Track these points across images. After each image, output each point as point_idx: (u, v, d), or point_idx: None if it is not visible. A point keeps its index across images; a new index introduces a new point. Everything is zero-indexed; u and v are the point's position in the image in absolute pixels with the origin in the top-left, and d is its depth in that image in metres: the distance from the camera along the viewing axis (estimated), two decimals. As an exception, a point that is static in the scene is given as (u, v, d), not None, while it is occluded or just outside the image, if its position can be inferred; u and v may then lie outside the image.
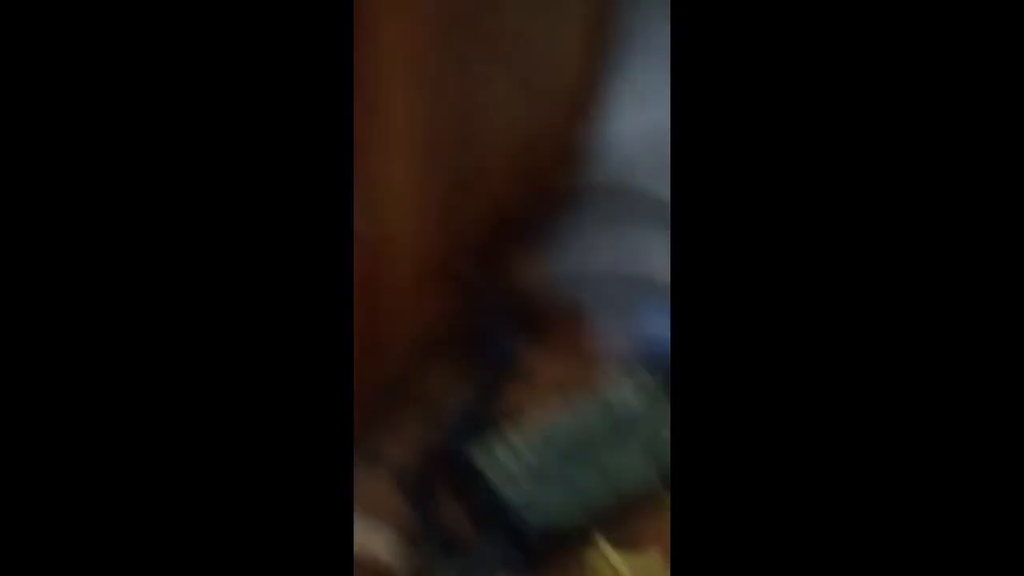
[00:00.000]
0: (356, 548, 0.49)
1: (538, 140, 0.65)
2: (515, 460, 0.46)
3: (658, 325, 0.52)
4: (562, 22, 0.64)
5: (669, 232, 0.60)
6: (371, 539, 0.47)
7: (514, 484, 0.45)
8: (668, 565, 0.45)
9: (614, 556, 0.46)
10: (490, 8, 0.54)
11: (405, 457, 0.50)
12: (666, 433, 0.46)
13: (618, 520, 0.46)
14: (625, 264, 0.60)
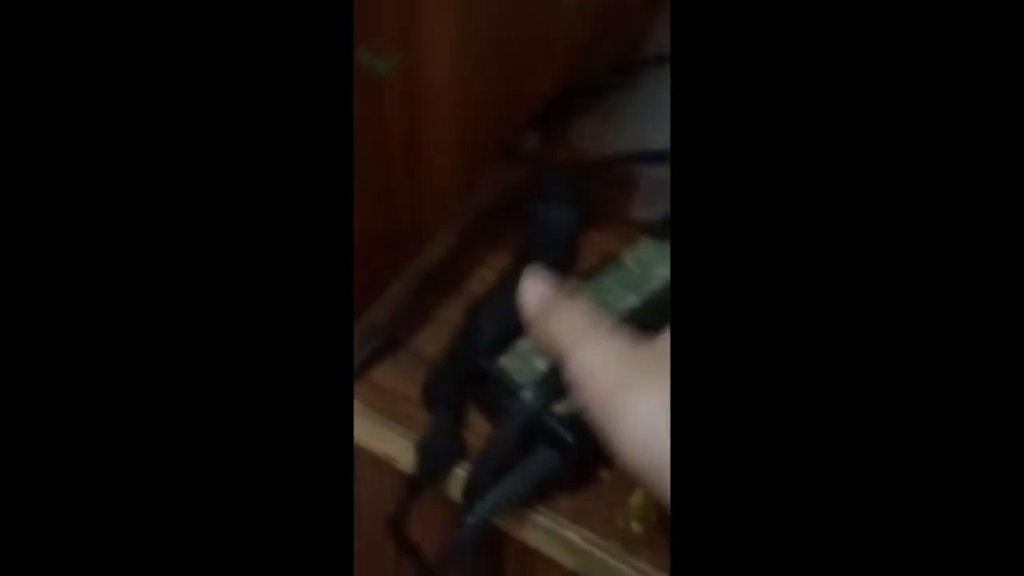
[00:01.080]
0: (372, 449, 0.45)
1: (603, 9, 0.56)
2: (540, 356, 0.41)
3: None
4: None
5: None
6: (392, 438, 0.44)
7: (539, 384, 0.40)
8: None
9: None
10: None
11: (435, 351, 0.45)
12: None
13: None
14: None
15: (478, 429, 0.43)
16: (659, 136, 0.53)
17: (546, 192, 0.48)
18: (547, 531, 0.41)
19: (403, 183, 0.46)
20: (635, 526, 0.41)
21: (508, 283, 0.43)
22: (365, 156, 0.41)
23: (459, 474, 0.43)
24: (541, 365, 0.41)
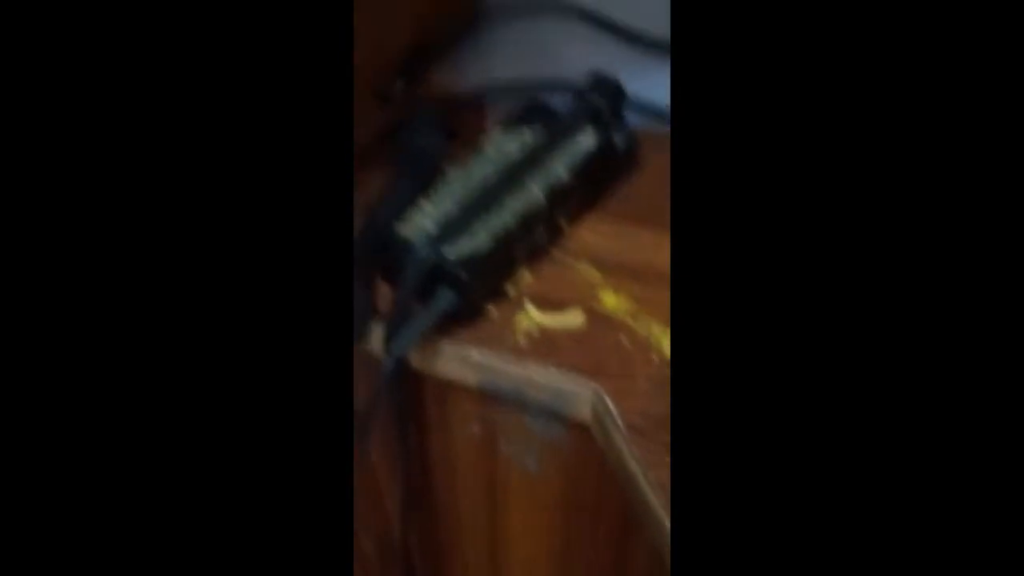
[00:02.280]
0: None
1: None
2: (430, 220, 0.52)
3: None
4: None
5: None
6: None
7: (431, 240, 0.51)
8: (588, 322, 0.52)
9: (539, 315, 0.53)
10: None
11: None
12: (556, 167, 0.55)
13: (525, 237, 0.54)
14: (536, 68, 0.65)
15: (386, 296, 0.53)
16: (497, 78, 0.65)
17: (415, 124, 0.59)
18: (453, 357, 0.52)
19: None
20: (523, 340, 0.52)
21: (394, 185, 0.54)
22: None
23: (375, 330, 0.52)
24: (430, 224, 0.52)
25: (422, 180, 0.54)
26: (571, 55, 0.67)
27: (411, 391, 0.55)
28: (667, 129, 0.60)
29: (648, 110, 0.62)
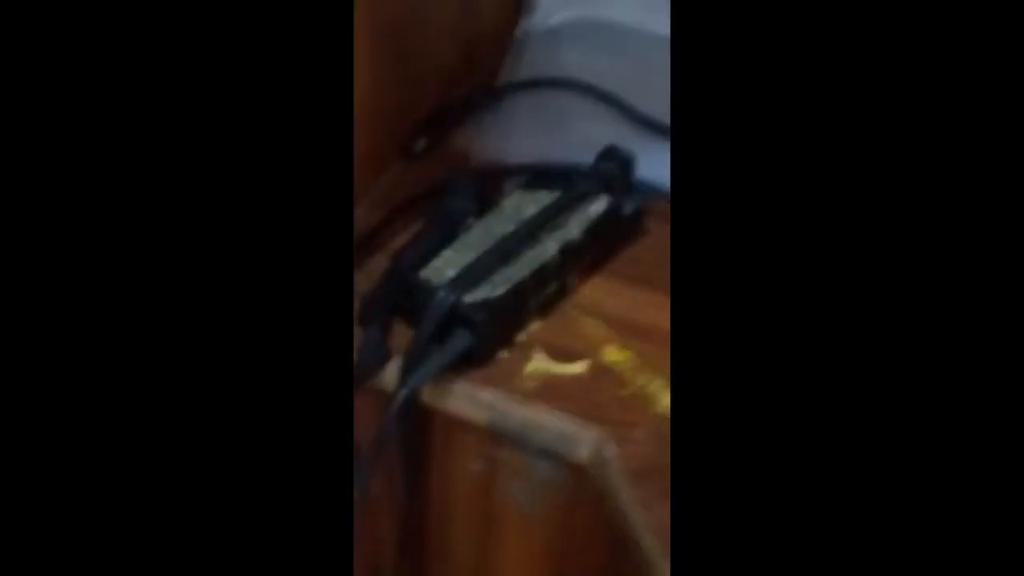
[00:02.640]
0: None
1: (479, 24, 0.73)
2: (451, 267, 0.56)
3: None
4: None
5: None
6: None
7: (451, 285, 0.54)
8: (592, 372, 0.56)
9: (546, 363, 0.56)
10: None
11: (367, 287, 0.59)
12: (570, 227, 0.59)
13: (538, 290, 0.58)
14: (548, 137, 0.70)
15: (402, 341, 0.57)
16: (513, 145, 0.70)
17: (449, 190, 0.63)
18: (463, 395, 0.55)
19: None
20: (531, 384, 0.55)
21: (422, 235, 0.58)
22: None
23: (388, 371, 0.55)
24: (451, 271, 0.55)
25: (447, 233, 0.58)
26: (582, 129, 0.72)
27: (419, 425, 0.58)
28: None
29: (649, 185, 0.66)
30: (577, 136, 0.70)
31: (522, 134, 0.71)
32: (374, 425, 0.56)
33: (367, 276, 0.59)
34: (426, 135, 0.69)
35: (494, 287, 0.55)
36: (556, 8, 0.77)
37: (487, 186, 0.64)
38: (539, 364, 0.56)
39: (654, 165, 0.64)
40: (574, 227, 0.59)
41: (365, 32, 0.58)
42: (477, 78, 0.73)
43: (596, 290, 0.60)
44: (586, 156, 0.64)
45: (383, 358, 0.56)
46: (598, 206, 0.60)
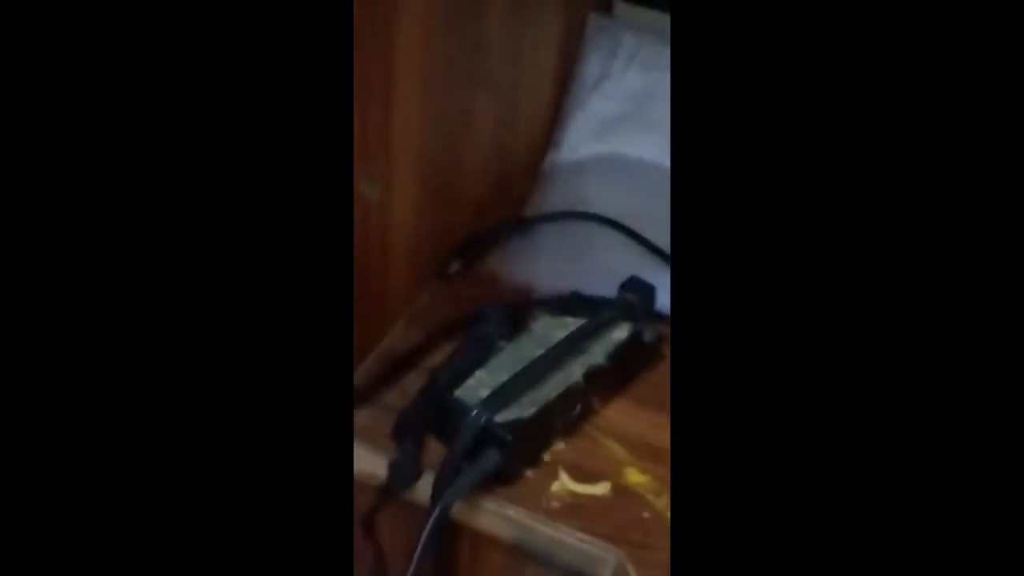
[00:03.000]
0: (357, 472, 0.60)
1: (511, 157, 0.78)
2: (484, 388, 0.59)
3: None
4: (540, 58, 0.78)
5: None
6: (372, 464, 0.59)
7: (484, 405, 0.57)
8: (613, 493, 0.58)
9: (570, 483, 0.59)
10: (483, 41, 0.67)
11: (401, 404, 0.62)
12: (595, 352, 0.63)
13: (564, 411, 0.61)
14: (571, 264, 0.74)
15: (434, 456, 0.59)
16: (540, 271, 0.74)
17: (485, 316, 0.66)
18: (493, 512, 0.57)
19: (374, 281, 0.64)
20: (556, 504, 0.57)
21: (457, 356, 0.62)
22: (356, 259, 0.60)
23: (420, 486, 0.58)
24: (484, 392, 0.58)
25: (480, 355, 0.61)
26: (604, 258, 0.76)
27: (448, 539, 0.60)
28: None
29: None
30: (600, 265, 0.74)
31: (548, 261, 0.75)
32: (404, 536, 0.59)
33: (403, 393, 0.63)
34: (460, 259, 0.73)
35: (523, 408, 0.58)
36: (581, 144, 0.82)
37: (518, 312, 0.68)
38: (564, 484, 0.58)
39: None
40: (598, 353, 0.62)
41: (410, 171, 0.63)
42: (507, 208, 0.77)
43: (618, 413, 0.63)
44: (608, 284, 0.68)
45: (416, 473, 0.59)
46: (621, 333, 0.63)
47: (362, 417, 0.61)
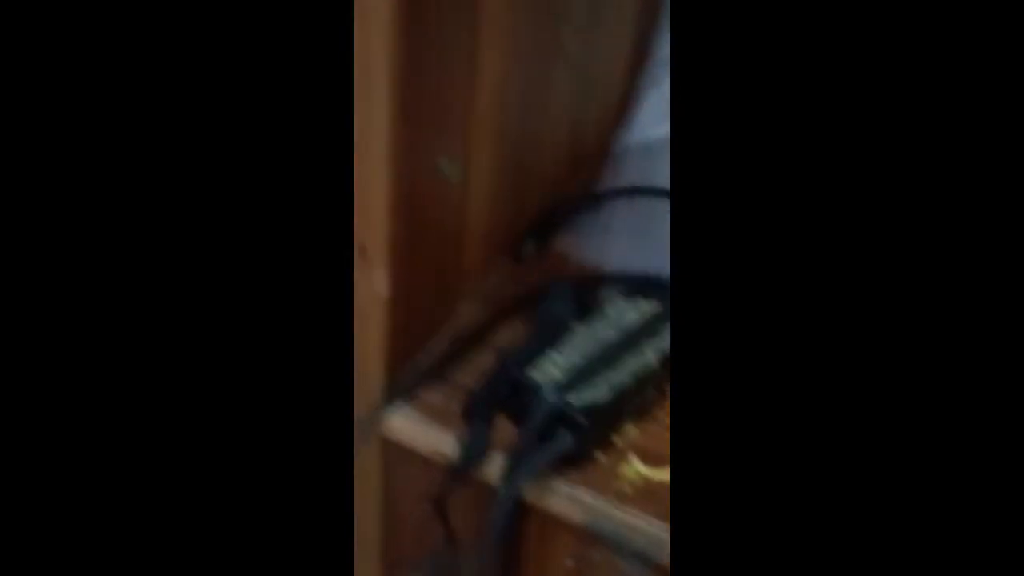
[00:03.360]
0: (426, 450, 0.60)
1: (585, 136, 0.77)
2: (557, 369, 0.58)
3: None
4: (616, 34, 0.76)
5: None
6: (440, 440, 0.59)
7: (558, 387, 0.57)
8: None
9: (641, 467, 0.58)
10: (563, 14, 0.66)
11: (472, 383, 0.61)
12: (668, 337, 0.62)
13: (637, 395, 0.60)
14: (643, 241, 0.72)
15: (503, 436, 0.59)
16: (612, 249, 0.73)
17: (553, 294, 0.66)
18: (564, 495, 0.57)
19: (449, 258, 0.64)
20: (627, 488, 0.57)
21: (528, 336, 0.61)
22: (430, 236, 0.59)
23: (492, 463, 0.58)
24: (558, 373, 0.58)
25: (553, 336, 0.60)
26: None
27: (518, 519, 0.60)
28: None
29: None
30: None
31: (620, 239, 0.75)
32: (474, 516, 0.59)
33: (473, 371, 0.62)
34: (534, 239, 0.72)
35: (598, 391, 0.57)
36: (653, 123, 0.81)
37: (587, 291, 0.67)
38: (634, 468, 0.58)
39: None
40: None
41: (490, 147, 0.62)
42: (580, 187, 0.76)
43: (690, 398, 0.62)
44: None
45: (484, 452, 0.58)
46: (695, 318, 0.62)
47: (432, 395, 0.61)
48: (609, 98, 0.79)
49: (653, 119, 0.81)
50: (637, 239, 0.74)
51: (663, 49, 0.81)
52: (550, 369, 0.59)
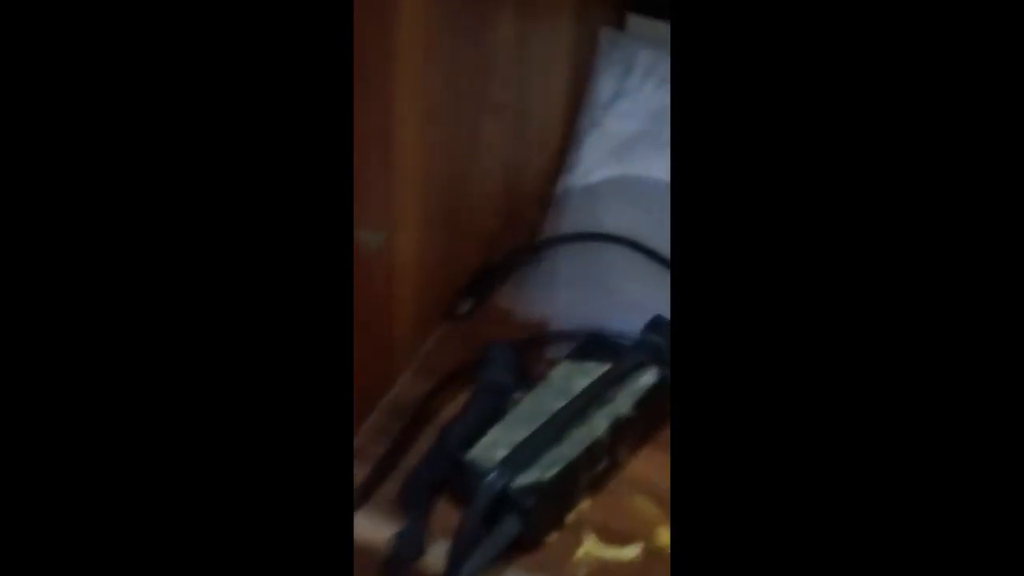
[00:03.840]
0: (360, 542, 0.54)
1: (522, 184, 0.73)
2: (500, 446, 0.53)
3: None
4: (550, 77, 0.72)
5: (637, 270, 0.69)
6: (375, 532, 0.53)
7: (501, 466, 0.52)
8: (644, 556, 0.53)
9: (597, 547, 0.53)
10: (488, 63, 0.62)
11: (410, 464, 0.56)
12: (620, 402, 0.57)
13: (589, 468, 0.56)
14: (591, 295, 0.68)
15: (447, 521, 0.54)
16: (557, 302, 0.68)
17: (490, 359, 0.61)
18: (514, 584, 0.52)
19: (380, 331, 0.59)
20: (583, 571, 0.52)
21: (469, 410, 0.56)
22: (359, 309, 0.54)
23: (434, 553, 0.53)
24: (501, 452, 0.53)
25: (493, 408, 0.55)
26: (623, 285, 0.70)
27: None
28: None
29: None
30: (620, 294, 0.68)
31: (565, 290, 0.70)
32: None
33: (412, 452, 0.57)
34: (471, 297, 0.67)
35: (544, 469, 0.53)
36: (596, 167, 0.76)
37: (530, 353, 0.62)
38: (591, 548, 0.53)
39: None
40: (624, 402, 0.56)
41: (414, 209, 0.58)
42: (519, 238, 0.72)
43: (646, 464, 0.57)
44: (630, 314, 0.62)
45: (423, 543, 0.53)
46: (648, 378, 0.58)
47: (365, 480, 0.56)
48: (547, 144, 0.75)
49: (595, 161, 0.76)
50: (584, 289, 0.70)
51: (602, 90, 0.77)
52: (493, 448, 0.54)
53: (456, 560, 0.51)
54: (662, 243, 0.71)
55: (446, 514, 0.54)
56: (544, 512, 0.52)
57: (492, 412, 0.56)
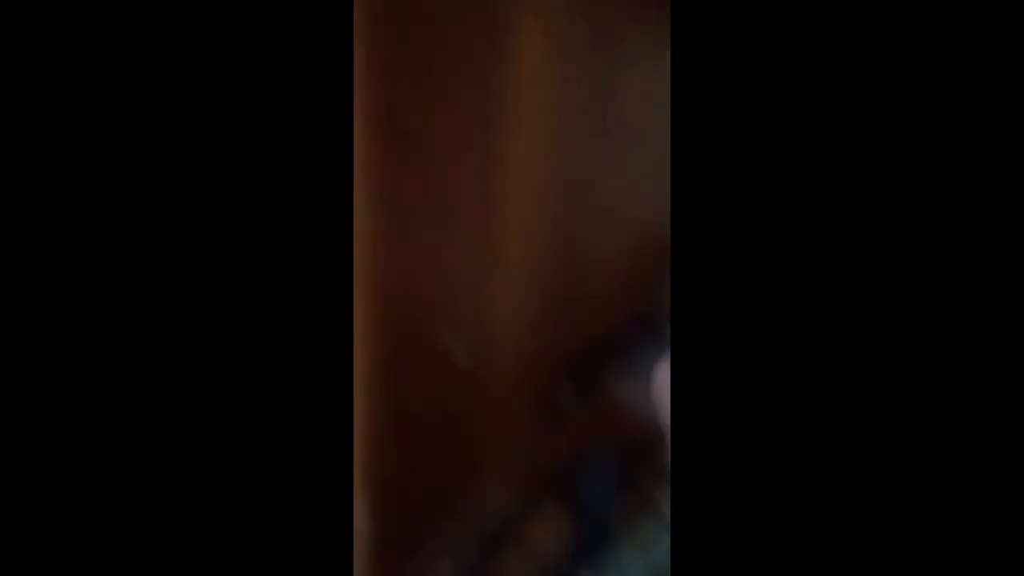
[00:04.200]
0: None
1: (633, 269, 0.61)
2: None
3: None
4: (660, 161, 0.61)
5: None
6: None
7: None
8: None
9: None
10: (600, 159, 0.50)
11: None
12: None
13: None
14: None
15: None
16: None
17: (589, 466, 0.49)
18: None
19: (459, 417, 0.47)
20: None
21: (567, 546, 0.44)
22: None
23: None
24: None
25: (596, 541, 0.43)
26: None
27: None
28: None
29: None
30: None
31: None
32: None
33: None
34: (572, 380, 0.56)
35: None
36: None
37: (642, 460, 0.50)
38: None
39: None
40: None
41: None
42: (638, 311, 0.60)
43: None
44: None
45: None
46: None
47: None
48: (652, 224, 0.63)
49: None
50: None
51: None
52: None
53: None
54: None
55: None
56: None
57: (593, 547, 0.44)
